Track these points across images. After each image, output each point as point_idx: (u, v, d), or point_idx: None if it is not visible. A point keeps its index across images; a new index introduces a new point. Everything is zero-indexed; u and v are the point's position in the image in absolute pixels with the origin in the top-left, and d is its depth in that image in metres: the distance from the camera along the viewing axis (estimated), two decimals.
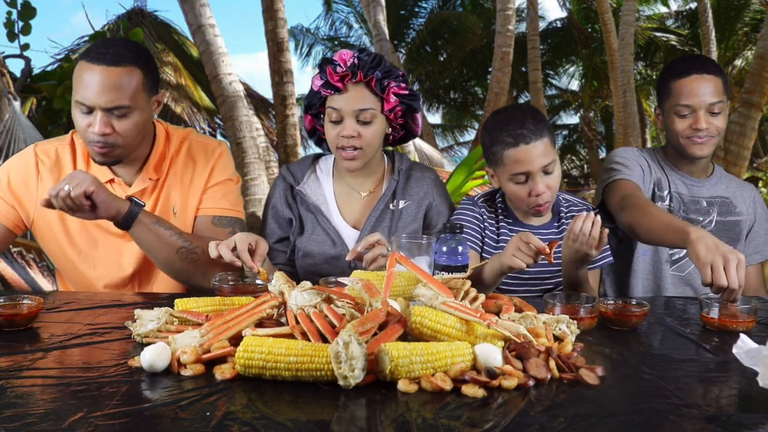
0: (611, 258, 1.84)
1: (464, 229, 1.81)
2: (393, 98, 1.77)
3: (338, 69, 1.73)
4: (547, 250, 1.46)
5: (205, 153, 1.82)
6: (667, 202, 1.98)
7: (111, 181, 1.74)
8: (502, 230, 1.85)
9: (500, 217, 1.87)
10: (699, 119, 1.86)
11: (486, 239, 1.85)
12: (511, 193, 1.77)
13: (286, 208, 1.89)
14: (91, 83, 1.58)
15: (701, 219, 1.97)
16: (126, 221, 1.59)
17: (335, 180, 1.94)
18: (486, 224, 1.86)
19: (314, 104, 1.81)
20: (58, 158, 1.76)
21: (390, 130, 1.84)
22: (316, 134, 1.91)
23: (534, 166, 1.68)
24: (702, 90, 1.86)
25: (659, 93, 1.98)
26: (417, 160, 7.75)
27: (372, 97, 1.75)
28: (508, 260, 1.52)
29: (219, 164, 1.82)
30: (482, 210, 1.87)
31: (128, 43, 1.70)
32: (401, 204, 1.87)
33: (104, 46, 1.62)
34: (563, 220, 1.87)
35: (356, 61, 1.73)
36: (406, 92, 1.79)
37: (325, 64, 1.77)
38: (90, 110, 1.59)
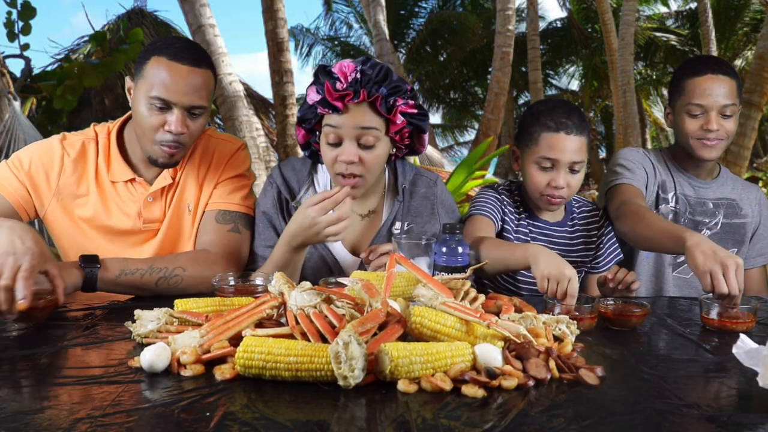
0: (621, 255, 1.86)
1: (485, 203, 1.82)
2: (400, 119, 1.56)
3: (338, 85, 1.50)
4: (569, 301, 1.36)
5: (221, 150, 1.81)
6: (672, 204, 1.96)
7: (132, 180, 1.73)
8: (521, 221, 1.86)
9: (521, 208, 1.89)
10: (710, 120, 1.84)
11: (505, 225, 1.86)
12: (530, 178, 1.78)
13: (281, 221, 1.69)
14: (177, 81, 1.58)
15: (707, 221, 1.96)
16: (89, 285, 1.50)
17: None
18: (507, 209, 1.86)
19: (309, 119, 1.60)
20: (84, 150, 1.73)
21: (394, 150, 1.66)
22: (310, 148, 1.70)
23: (564, 157, 1.70)
24: (715, 90, 1.84)
25: (671, 91, 1.96)
26: (417, 161, 7.72)
27: (376, 118, 1.53)
28: (536, 274, 1.42)
29: (233, 161, 1.81)
30: (503, 196, 1.88)
31: (199, 46, 1.73)
32: (405, 226, 1.74)
33: (182, 47, 1.62)
34: (576, 220, 1.91)
35: (359, 76, 1.50)
36: (415, 111, 1.57)
37: (322, 76, 1.54)
38: (167, 107, 1.59)
